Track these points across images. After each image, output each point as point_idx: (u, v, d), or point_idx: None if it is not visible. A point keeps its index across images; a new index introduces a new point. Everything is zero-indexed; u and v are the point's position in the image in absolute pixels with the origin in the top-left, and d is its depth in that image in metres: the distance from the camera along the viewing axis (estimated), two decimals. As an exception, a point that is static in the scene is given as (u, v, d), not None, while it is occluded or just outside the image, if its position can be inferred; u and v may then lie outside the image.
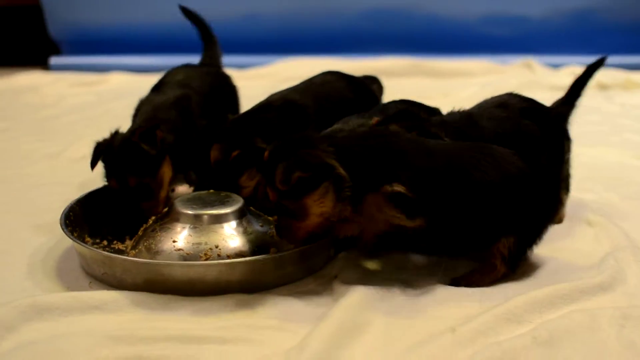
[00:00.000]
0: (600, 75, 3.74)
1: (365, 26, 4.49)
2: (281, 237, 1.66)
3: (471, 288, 1.63)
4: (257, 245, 1.77)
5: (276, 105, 2.12)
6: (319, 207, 1.57)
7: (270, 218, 1.87)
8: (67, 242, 1.90)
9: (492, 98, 1.99)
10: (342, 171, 1.55)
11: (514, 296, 1.56)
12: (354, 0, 4.58)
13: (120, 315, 1.54)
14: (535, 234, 1.71)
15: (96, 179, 2.04)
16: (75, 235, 1.81)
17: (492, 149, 1.67)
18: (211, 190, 1.94)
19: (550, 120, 1.96)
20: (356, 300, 1.55)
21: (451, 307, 1.56)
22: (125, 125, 2.06)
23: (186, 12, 2.61)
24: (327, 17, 4.58)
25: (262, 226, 1.83)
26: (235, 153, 1.95)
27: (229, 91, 2.43)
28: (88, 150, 2.61)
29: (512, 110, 1.92)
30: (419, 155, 1.59)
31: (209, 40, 2.58)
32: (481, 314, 1.50)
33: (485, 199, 1.61)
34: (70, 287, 1.69)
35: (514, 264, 1.69)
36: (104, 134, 2.65)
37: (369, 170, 1.56)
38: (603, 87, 3.81)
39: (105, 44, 4.55)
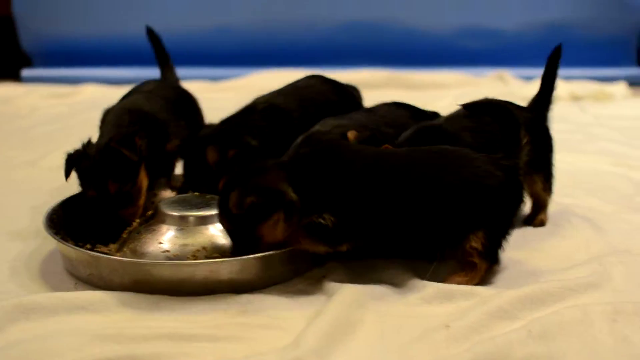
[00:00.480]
0: (573, 87, 3.83)
1: (342, 39, 4.49)
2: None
3: (462, 286, 1.63)
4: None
5: (260, 109, 2.14)
6: (270, 233, 1.60)
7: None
8: (49, 245, 1.87)
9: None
10: (293, 196, 1.58)
11: (504, 292, 1.56)
12: (330, 13, 4.60)
13: (108, 315, 1.52)
14: (504, 223, 1.70)
15: (75, 185, 2.01)
16: (59, 237, 1.78)
17: (449, 151, 1.70)
18: (196, 193, 1.94)
19: (532, 120, 1.98)
20: (348, 298, 1.54)
21: (443, 305, 1.56)
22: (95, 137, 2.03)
23: (151, 33, 2.59)
24: (303, 30, 4.58)
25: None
26: (232, 152, 1.97)
27: (194, 102, 2.42)
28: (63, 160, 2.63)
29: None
30: (366, 169, 1.63)
31: (167, 62, 2.58)
32: (473, 311, 1.49)
33: (442, 199, 1.62)
34: (55, 288, 1.66)
35: (493, 256, 1.69)
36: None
37: (312, 195, 1.60)
38: (576, 98, 3.84)
39: (77, 56, 4.50)
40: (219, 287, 1.60)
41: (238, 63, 4.45)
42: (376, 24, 4.56)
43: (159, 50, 2.60)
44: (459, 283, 1.65)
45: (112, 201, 1.91)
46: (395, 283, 1.65)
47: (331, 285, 1.63)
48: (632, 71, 4.52)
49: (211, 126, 2.16)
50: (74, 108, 3.64)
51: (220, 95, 3.53)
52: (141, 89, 2.33)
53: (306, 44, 4.52)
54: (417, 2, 4.68)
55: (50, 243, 1.87)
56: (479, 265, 1.67)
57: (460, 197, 1.63)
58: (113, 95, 2.46)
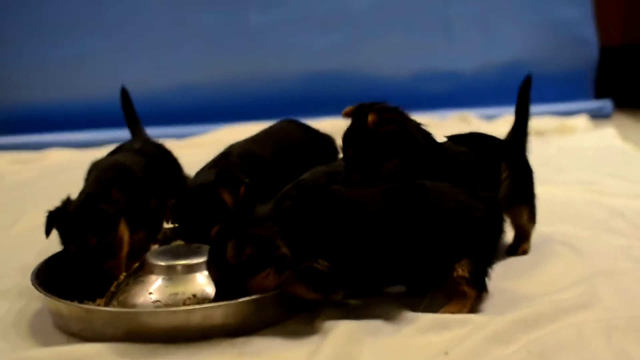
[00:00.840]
0: (536, 123, 3.89)
1: (302, 90, 4.54)
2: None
3: (455, 315, 1.64)
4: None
5: (236, 154, 2.16)
6: (261, 284, 1.61)
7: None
8: (36, 304, 1.85)
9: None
10: (285, 251, 1.59)
11: (497, 317, 1.58)
12: (289, 66, 4.65)
13: (106, 369, 1.50)
14: (488, 252, 1.75)
15: (56, 244, 2.00)
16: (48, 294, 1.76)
17: (430, 187, 1.74)
18: (181, 243, 1.93)
19: (512, 151, 2.02)
20: (345, 334, 1.55)
21: (439, 334, 1.57)
22: (74, 195, 2.03)
23: (124, 95, 2.60)
24: (264, 83, 4.62)
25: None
26: (242, 189, 1.94)
27: (175, 159, 2.45)
28: (42, 220, 2.60)
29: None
30: (353, 212, 1.67)
31: (137, 123, 2.61)
32: (470, 337, 1.51)
33: (429, 233, 1.67)
34: (47, 345, 1.63)
35: (481, 284, 1.71)
36: (55, 203, 2.62)
37: (304, 244, 1.61)
38: (540, 133, 3.91)
39: (40, 122, 4.47)
40: (213, 332, 1.59)
41: (203, 120, 4.47)
42: (336, 74, 4.62)
43: (129, 111, 2.61)
44: (451, 313, 1.66)
45: (94, 254, 1.90)
46: (390, 317, 1.66)
47: (325, 324, 1.63)
48: (591, 104, 4.64)
49: (199, 176, 2.13)
50: (43, 172, 3.61)
51: (188, 152, 3.50)
52: (131, 145, 2.35)
53: (269, 97, 4.56)
54: (374, 50, 4.76)
55: (37, 302, 1.85)
56: (468, 293, 1.69)
57: (447, 230, 1.67)
58: (79, 158, 2.49)
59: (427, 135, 1.87)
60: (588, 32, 4.81)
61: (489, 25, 4.82)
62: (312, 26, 4.75)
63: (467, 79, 4.68)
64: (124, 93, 2.62)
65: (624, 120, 4.50)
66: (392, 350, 1.51)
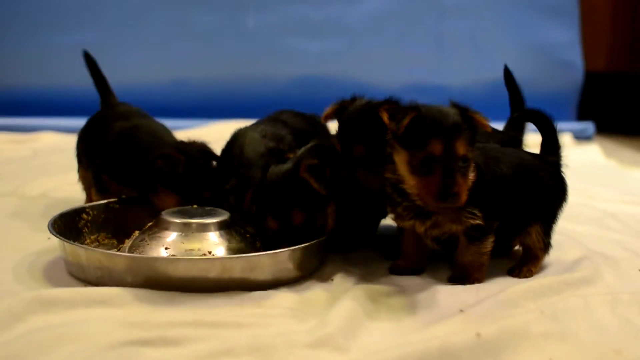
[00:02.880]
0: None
1: (294, 92, 4.58)
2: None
3: (466, 286, 1.70)
4: (247, 252, 1.79)
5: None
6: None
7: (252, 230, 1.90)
8: (48, 256, 1.87)
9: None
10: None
11: (506, 288, 1.63)
12: (283, 68, 4.72)
13: (127, 308, 1.52)
14: (554, 217, 1.86)
15: (57, 206, 2.00)
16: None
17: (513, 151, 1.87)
18: (195, 206, 1.97)
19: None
20: (360, 293, 1.60)
21: (453, 297, 1.62)
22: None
23: (87, 57, 2.56)
24: (257, 83, 4.67)
25: (248, 236, 1.87)
26: None
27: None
28: (43, 190, 2.63)
29: None
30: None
31: (106, 86, 2.55)
32: (482, 301, 1.57)
33: (514, 192, 1.75)
34: (65, 289, 1.66)
35: (547, 248, 1.83)
36: (53, 180, 2.67)
37: None
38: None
39: (31, 107, 4.51)
40: (231, 284, 1.63)
41: (195, 115, 4.50)
42: (328, 79, 4.68)
43: (96, 75, 2.55)
44: (529, 276, 1.77)
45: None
46: (405, 281, 1.72)
47: (341, 286, 1.69)
48: (574, 125, 4.73)
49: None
50: (37, 152, 3.63)
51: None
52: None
53: (261, 97, 4.59)
54: (367, 58, 4.83)
55: (49, 254, 1.87)
56: (541, 256, 1.81)
57: (529, 193, 1.78)
58: (72, 141, 2.47)
59: None
60: (575, 56, 4.92)
61: (479, 42, 4.92)
62: (308, 31, 4.82)
63: (456, 93, 4.72)
64: (88, 57, 2.55)
65: (605, 143, 4.60)
66: (409, 309, 1.56)
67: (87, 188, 2.41)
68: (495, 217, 1.69)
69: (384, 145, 1.68)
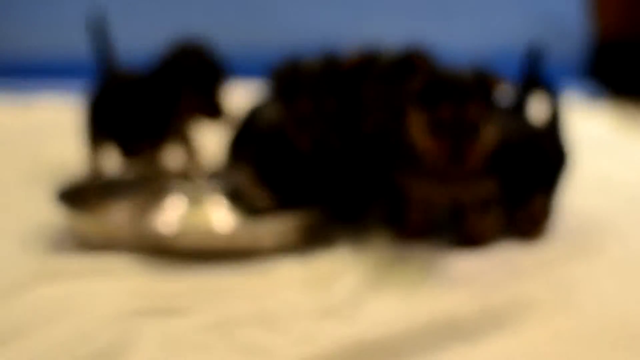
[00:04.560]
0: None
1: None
2: None
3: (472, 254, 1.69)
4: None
5: None
6: None
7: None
8: (55, 225, 1.86)
9: None
10: None
11: (514, 257, 1.66)
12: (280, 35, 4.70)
13: (135, 278, 1.52)
14: (557, 184, 1.84)
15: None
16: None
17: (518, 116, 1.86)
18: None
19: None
20: (368, 264, 1.61)
21: (458, 267, 1.61)
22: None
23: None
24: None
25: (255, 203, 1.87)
26: None
27: None
28: (50, 157, 2.61)
29: None
30: None
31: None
32: (489, 271, 1.58)
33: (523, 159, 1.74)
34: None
35: (550, 214, 1.82)
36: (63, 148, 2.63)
37: None
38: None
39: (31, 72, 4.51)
40: (237, 253, 1.62)
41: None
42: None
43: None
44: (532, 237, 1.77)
45: None
46: (410, 253, 1.70)
47: (349, 254, 1.68)
48: (582, 91, 4.70)
49: None
50: (44, 121, 3.61)
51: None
52: None
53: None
54: (370, 25, 4.81)
55: (55, 224, 1.87)
56: (540, 228, 1.80)
57: (537, 160, 1.77)
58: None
59: None
60: (584, 24, 4.89)
61: (483, 9, 4.89)
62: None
63: (458, 59, 4.73)
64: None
65: (617, 109, 4.55)
66: (414, 277, 1.57)
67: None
68: (507, 186, 1.69)
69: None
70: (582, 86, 4.95)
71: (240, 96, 2.21)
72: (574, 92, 4.71)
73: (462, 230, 1.74)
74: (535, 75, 2.13)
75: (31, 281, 1.47)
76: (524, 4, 4.91)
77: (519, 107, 2.11)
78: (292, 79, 1.78)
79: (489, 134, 1.59)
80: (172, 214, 1.78)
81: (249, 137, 1.98)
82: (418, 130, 1.59)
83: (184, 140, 2.22)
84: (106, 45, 2.44)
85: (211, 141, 2.46)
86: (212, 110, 2.08)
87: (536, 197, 1.80)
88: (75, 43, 4.26)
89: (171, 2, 4.78)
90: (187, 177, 1.98)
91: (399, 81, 1.69)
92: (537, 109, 2.25)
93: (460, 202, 1.70)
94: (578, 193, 2.22)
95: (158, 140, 2.11)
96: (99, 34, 2.47)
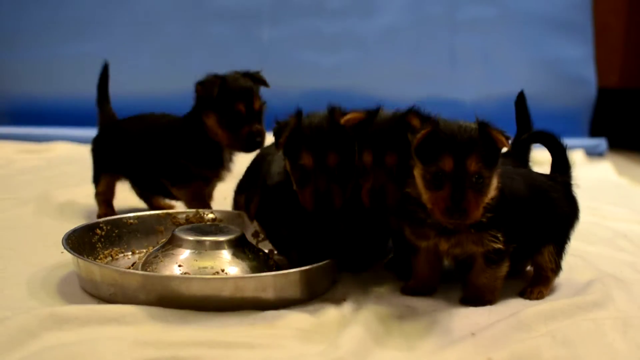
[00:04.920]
0: (534, 154, 3.97)
1: (307, 105, 4.58)
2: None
3: (478, 308, 1.70)
4: (260, 270, 1.81)
5: None
6: None
7: (264, 250, 1.92)
8: (62, 271, 1.88)
9: None
10: None
11: (518, 311, 1.64)
12: (295, 81, 4.70)
13: (140, 327, 1.53)
14: (567, 238, 1.87)
15: (71, 219, 2.00)
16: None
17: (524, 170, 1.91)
18: (209, 222, 1.99)
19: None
20: (372, 316, 1.60)
21: (463, 320, 1.62)
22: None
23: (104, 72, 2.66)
24: (270, 96, 4.69)
25: (261, 254, 1.88)
26: None
27: None
28: (57, 202, 2.64)
29: None
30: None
31: (106, 98, 2.65)
32: (494, 324, 1.57)
33: (530, 213, 1.75)
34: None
35: (559, 269, 1.84)
36: (67, 192, 2.71)
37: None
38: (539, 163, 3.98)
39: (44, 116, 4.54)
40: (243, 304, 1.63)
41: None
42: (340, 93, 4.67)
43: (103, 86, 2.64)
44: (540, 298, 1.78)
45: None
46: (416, 306, 1.71)
47: (353, 306, 1.69)
48: (587, 142, 4.74)
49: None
50: (50, 162, 3.66)
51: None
52: None
53: (273, 109, 4.60)
54: (379, 73, 4.87)
55: (62, 269, 1.88)
56: (551, 277, 1.83)
57: (544, 215, 1.79)
58: (86, 152, 2.54)
59: None
60: (588, 72, 4.94)
61: (492, 58, 4.94)
62: (322, 45, 4.86)
63: (468, 108, 4.76)
64: (105, 69, 2.64)
65: (618, 159, 4.60)
66: (420, 332, 1.56)
67: (103, 202, 2.49)
68: (513, 239, 1.69)
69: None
70: (587, 134, 5.00)
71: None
72: (579, 141, 4.77)
73: (469, 283, 1.74)
74: (526, 121, 2.17)
75: (38, 329, 1.47)
76: (531, 52, 4.94)
77: (523, 158, 2.14)
78: (295, 134, 1.82)
79: (491, 187, 1.60)
80: (179, 261, 1.78)
81: (254, 187, 2.00)
82: (420, 182, 1.61)
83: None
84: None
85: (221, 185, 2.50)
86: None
87: (545, 249, 1.81)
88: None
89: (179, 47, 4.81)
90: (196, 224, 1.99)
91: (394, 138, 1.71)
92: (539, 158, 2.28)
93: (468, 255, 1.70)
94: (582, 243, 2.25)
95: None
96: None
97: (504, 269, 1.71)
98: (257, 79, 2.20)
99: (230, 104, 2.17)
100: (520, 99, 2.19)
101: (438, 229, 1.66)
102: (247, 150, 2.20)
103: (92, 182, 2.53)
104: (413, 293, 1.78)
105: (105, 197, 2.51)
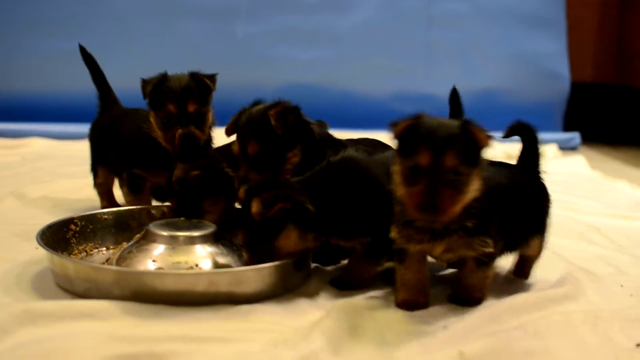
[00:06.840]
0: (506, 147, 3.99)
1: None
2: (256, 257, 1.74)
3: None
4: (234, 265, 1.82)
5: None
6: (286, 245, 1.72)
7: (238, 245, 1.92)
8: (35, 267, 1.87)
9: None
10: (310, 207, 1.70)
11: (491, 304, 1.66)
12: (272, 75, 4.72)
13: (115, 322, 1.53)
14: (547, 225, 1.91)
15: (45, 215, 1.99)
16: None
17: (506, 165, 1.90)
18: (182, 218, 1.99)
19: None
20: (346, 307, 1.62)
21: (436, 312, 1.64)
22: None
23: (83, 52, 2.74)
24: (246, 91, 4.65)
25: (235, 249, 1.89)
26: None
27: None
28: (31, 198, 2.63)
29: None
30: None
31: (105, 83, 2.73)
32: (466, 317, 1.59)
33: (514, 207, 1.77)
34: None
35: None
36: (42, 187, 2.67)
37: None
38: (510, 156, 4.00)
39: (21, 112, 4.50)
40: (217, 298, 1.64)
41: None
42: (317, 87, 4.71)
43: (95, 71, 2.68)
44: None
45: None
46: (390, 299, 1.72)
47: (326, 300, 1.71)
48: (560, 136, 4.78)
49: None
50: (25, 158, 3.63)
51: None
52: None
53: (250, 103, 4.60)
54: (355, 68, 4.86)
55: (36, 265, 1.88)
56: (535, 261, 1.93)
57: (533, 207, 1.84)
58: (61, 148, 2.52)
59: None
60: (562, 67, 4.97)
61: (467, 52, 4.95)
62: (298, 40, 4.84)
63: (443, 102, 4.76)
64: (83, 51, 2.74)
65: (591, 153, 4.63)
66: (393, 323, 1.58)
67: (103, 193, 2.51)
68: (501, 237, 1.70)
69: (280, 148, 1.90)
70: (560, 128, 5.03)
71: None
72: (553, 135, 4.81)
73: (459, 282, 1.74)
74: (459, 112, 2.19)
75: (12, 325, 1.47)
76: (505, 47, 4.96)
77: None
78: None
79: (471, 186, 1.56)
80: (153, 257, 1.78)
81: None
82: (398, 178, 1.59)
83: None
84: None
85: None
86: None
87: (533, 240, 1.85)
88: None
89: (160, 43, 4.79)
90: (170, 219, 2.00)
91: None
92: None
93: (457, 257, 1.69)
94: (554, 236, 2.27)
95: None
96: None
97: (494, 268, 1.72)
98: (200, 81, 2.18)
99: (162, 103, 2.16)
100: (454, 95, 2.22)
101: (429, 232, 1.62)
102: (179, 151, 2.17)
103: (90, 172, 2.55)
104: (410, 308, 1.68)
105: (105, 188, 2.52)
